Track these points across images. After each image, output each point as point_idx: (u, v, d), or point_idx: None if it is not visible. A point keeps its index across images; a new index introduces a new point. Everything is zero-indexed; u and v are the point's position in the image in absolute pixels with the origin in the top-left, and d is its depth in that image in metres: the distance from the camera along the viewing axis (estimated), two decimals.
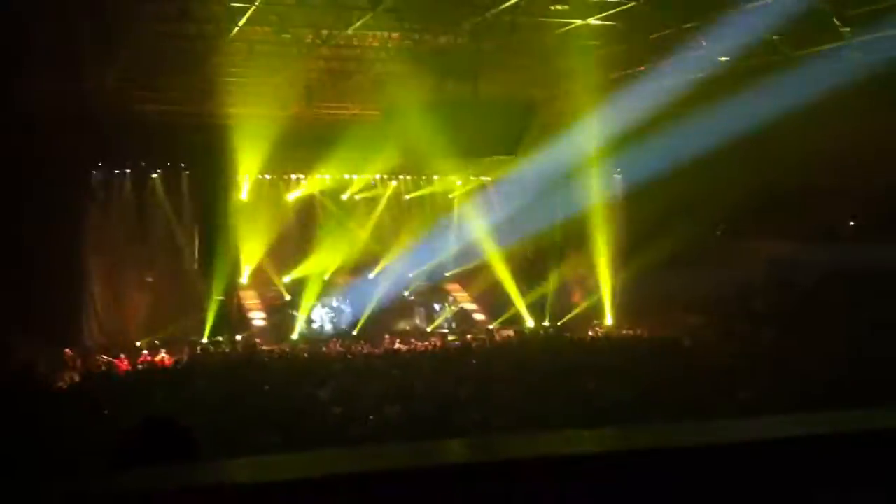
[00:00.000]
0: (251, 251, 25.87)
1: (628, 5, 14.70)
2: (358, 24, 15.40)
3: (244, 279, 26.19)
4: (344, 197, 27.87)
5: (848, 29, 14.95)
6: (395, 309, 26.98)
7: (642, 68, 18.85)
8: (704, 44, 17.02)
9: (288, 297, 26.33)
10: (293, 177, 27.13)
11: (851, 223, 24.05)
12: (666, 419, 12.60)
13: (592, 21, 15.75)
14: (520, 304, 27.23)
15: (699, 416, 12.77)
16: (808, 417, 2.17)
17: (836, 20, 14.88)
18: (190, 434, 3.45)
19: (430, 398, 15.51)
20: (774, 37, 16.23)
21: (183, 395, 16.03)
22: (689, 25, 15.37)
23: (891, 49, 15.00)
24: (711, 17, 14.90)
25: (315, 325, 26.01)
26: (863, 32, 14.95)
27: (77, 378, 19.07)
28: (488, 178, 27.76)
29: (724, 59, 18.10)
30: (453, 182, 28.19)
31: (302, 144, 24.40)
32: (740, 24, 15.56)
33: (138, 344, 22.69)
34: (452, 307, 28.16)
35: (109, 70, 18.85)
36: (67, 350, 20.66)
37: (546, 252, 28.15)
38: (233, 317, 25.30)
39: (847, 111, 18.06)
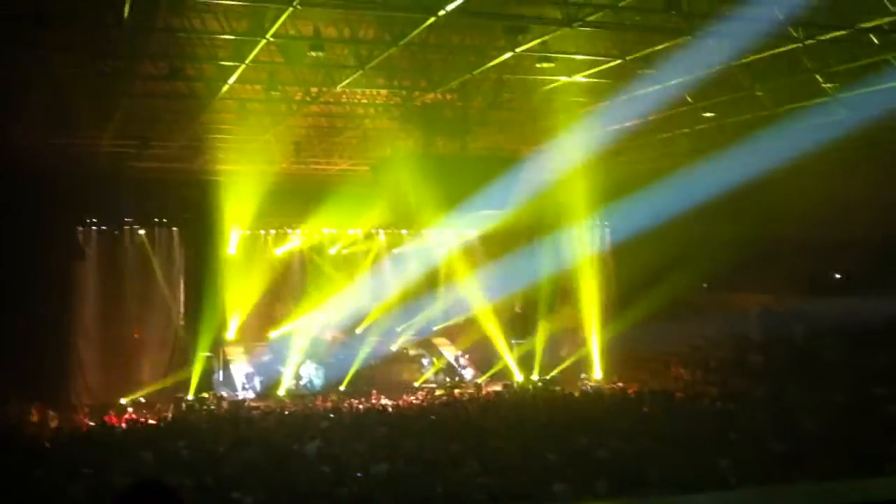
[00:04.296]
0: (238, 307, 25.74)
1: (614, 63, 14.87)
2: (347, 81, 15.50)
3: (231, 335, 26.01)
4: (332, 251, 27.89)
5: (832, 85, 15.16)
6: (383, 363, 26.81)
7: (628, 124, 19.01)
8: (689, 99, 17.23)
9: (271, 355, 26.10)
10: (281, 232, 27.16)
11: (837, 276, 24.12)
12: (661, 476, 12.48)
13: (578, 78, 15.90)
14: (508, 358, 27.10)
15: (695, 474, 12.65)
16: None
17: (819, 77, 15.10)
18: (177, 496, 3.38)
19: (418, 456, 15.29)
20: (759, 93, 16.44)
21: (168, 454, 15.79)
22: (672, 82, 15.52)
23: (875, 105, 15.20)
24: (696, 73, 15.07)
25: (303, 381, 25.72)
26: (847, 88, 15.16)
27: (60, 436, 18.77)
28: (477, 233, 27.77)
29: (709, 115, 18.31)
30: (442, 237, 28.19)
31: (290, 200, 24.47)
32: (725, 80, 15.79)
33: (123, 402, 22.39)
34: (440, 361, 27.97)
35: (102, 128, 18.92)
36: (50, 410, 20.38)
37: (534, 305, 28.08)
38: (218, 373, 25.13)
39: (832, 165, 18.27)
